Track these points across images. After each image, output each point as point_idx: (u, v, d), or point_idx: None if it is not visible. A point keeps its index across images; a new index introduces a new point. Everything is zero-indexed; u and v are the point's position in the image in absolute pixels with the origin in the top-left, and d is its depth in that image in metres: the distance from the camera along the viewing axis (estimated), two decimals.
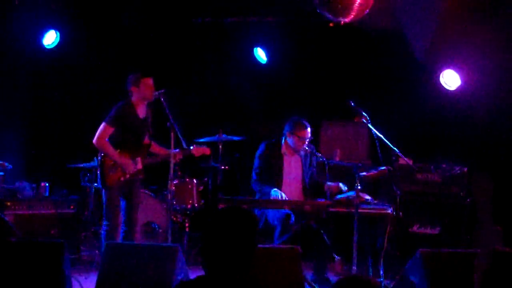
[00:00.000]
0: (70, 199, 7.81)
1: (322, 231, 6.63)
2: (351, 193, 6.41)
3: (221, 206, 6.35)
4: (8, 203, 7.33)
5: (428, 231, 7.34)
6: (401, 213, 6.64)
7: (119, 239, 6.75)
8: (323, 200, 6.58)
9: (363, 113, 6.55)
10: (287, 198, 6.68)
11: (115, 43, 8.96)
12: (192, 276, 4.17)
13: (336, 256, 7.18)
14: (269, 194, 6.71)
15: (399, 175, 7.40)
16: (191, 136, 7.33)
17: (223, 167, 7.87)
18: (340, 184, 6.84)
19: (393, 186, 6.71)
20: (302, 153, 7.07)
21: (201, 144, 7.38)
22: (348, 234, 6.18)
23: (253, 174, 7.06)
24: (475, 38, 7.41)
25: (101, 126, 6.60)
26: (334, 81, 9.05)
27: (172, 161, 6.62)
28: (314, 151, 7.05)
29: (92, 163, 7.60)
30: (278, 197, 6.63)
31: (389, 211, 6.45)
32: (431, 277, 5.25)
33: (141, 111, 6.78)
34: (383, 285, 6.37)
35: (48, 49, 8.56)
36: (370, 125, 6.54)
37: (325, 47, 8.95)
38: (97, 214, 7.92)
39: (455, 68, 8.04)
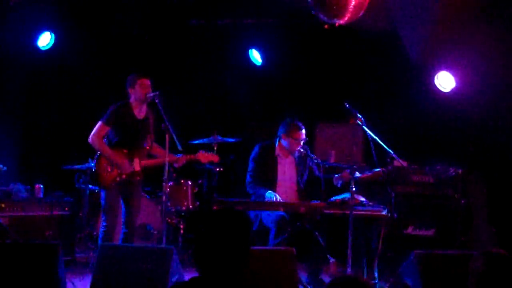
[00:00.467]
0: (65, 201, 7.79)
1: (316, 233, 6.63)
2: (346, 195, 6.41)
3: (215, 208, 6.35)
4: (3, 205, 7.30)
5: (423, 232, 7.34)
6: (395, 215, 6.64)
7: (116, 241, 6.74)
8: (317, 202, 6.57)
9: (358, 115, 6.55)
10: (281, 200, 6.68)
11: (110, 45, 8.96)
12: (187, 277, 4.17)
13: (331, 258, 7.19)
14: (263, 196, 6.70)
15: (394, 176, 7.38)
16: (186, 137, 7.32)
17: (218, 169, 7.86)
18: (347, 170, 6.79)
19: (388, 187, 6.71)
20: (296, 154, 7.07)
21: (205, 148, 7.32)
22: (343, 236, 6.18)
23: (248, 176, 7.05)
24: (470, 40, 7.43)
25: (97, 125, 6.63)
26: (329, 83, 9.05)
27: (176, 165, 6.66)
28: (309, 152, 7.04)
29: (86, 165, 7.58)
30: (273, 199, 6.63)
31: (384, 213, 6.45)
32: (425, 279, 5.26)
33: (139, 112, 6.75)
34: (377, 287, 6.38)
35: (43, 50, 8.56)
36: (365, 127, 6.54)
37: (320, 49, 8.96)
38: (91, 216, 7.92)
39: (450, 70, 8.05)
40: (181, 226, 8.17)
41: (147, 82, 6.69)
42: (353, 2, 6.07)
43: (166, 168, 6.49)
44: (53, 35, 8.51)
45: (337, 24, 6.32)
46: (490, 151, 7.93)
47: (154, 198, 8.12)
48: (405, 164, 7.11)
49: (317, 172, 7.06)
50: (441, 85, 8.12)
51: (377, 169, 6.70)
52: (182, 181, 8.03)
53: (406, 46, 7.84)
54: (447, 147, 8.16)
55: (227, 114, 9.48)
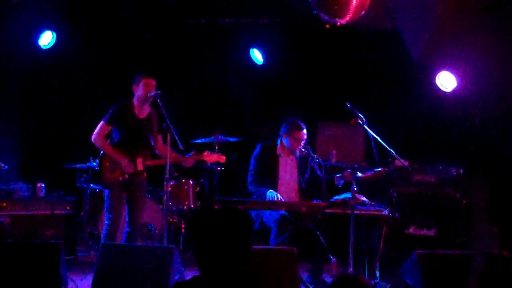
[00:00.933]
0: (66, 200, 7.80)
1: (318, 233, 6.62)
2: (347, 195, 6.41)
3: (217, 207, 6.34)
4: (4, 204, 7.33)
5: (424, 232, 7.35)
6: (397, 215, 6.63)
7: (119, 240, 6.74)
8: (319, 202, 6.57)
9: (359, 115, 6.54)
10: (283, 199, 6.68)
11: (111, 44, 8.96)
12: (188, 277, 4.17)
13: (332, 258, 7.17)
14: (265, 195, 6.70)
15: (395, 176, 7.39)
16: (187, 137, 7.33)
17: (219, 168, 7.86)
18: (349, 170, 6.79)
19: (389, 187, 6.70)
20: (298, 154, 7.07)
21: (207, 148, 7.31)
22: (344, 236, 6.18)
23: (249, 175, 7.05)
24: (471, 40, 7.42)
25: (99, 124, 6.64)
26: (330, 82, 9.05)
27: (184, 164, 6.69)
28: (310, 152, 7.04)
29: (88, 164, 7.59)
30: (274, 198, 6.62)
31: (385, 213, 6.45)
32: (426, 278, 5.26)
33: (142, 112, 6.75)
34: (379, 286, 6.38)
35: (44, 49, 8.55)
36: (366, 127, 6.53)
37: (321, 48, 8.96)
38: (93, 215, 7.92)
39: (451, 70, 8.05)
40: (183, 225, 8.17)
41: (152, 82, 6.68)
42: (355, 2, 6.07)
43: (168, 167, 6.49)
44: (54, 34, 8.52)
45: (338, 23, 6.32)
46: (492, 151, 7.92)
47: (156, 197, 8.12)
48: (406, 164, 7.10)
49: (318, 172, 7.05)
50: (442, 85, 8.11)
51: (379, 169, 6.69)
52: (183, 180, 8.03)
53: (408, 46, 7.83)
54: (449, 147, 8.16)
55: (228, 114, 9.47)
